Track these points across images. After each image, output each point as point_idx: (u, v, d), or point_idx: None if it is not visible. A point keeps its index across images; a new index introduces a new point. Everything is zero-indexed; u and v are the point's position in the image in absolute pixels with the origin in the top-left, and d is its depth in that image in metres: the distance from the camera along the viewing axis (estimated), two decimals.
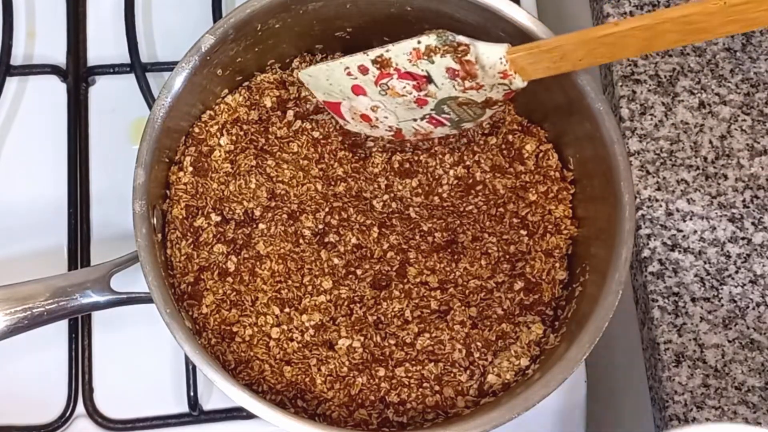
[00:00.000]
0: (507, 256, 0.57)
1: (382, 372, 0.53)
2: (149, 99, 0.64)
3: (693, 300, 0.59)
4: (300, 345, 0.54)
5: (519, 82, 0.50)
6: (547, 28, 0.54)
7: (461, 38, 0.50)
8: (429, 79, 0.52)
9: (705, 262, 0.59)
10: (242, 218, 0.56)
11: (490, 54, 0.49)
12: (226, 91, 0.58)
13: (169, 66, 0.66)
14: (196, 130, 0.57)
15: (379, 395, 0.53)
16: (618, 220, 0.52)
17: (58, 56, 0.67)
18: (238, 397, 0.48)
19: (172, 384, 0.61)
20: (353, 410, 0.53)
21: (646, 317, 0.59)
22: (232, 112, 0.58)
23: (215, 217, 0.56)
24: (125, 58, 0.66)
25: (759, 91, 0.63)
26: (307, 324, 0.54)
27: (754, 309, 0.59)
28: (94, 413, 0.60)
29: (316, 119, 0.58)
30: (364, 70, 0.53)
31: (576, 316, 0.53)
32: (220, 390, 0.48)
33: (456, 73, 0.51)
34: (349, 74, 0.54)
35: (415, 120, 0.55)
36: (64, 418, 0.59)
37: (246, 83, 0.59)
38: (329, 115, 0.58)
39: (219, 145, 0.57)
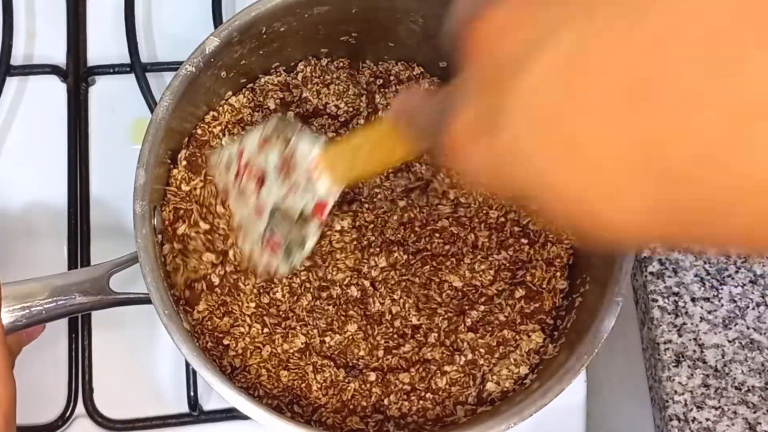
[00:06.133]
0: (507, 264, 0.56)
1: (372, 377, 0.53)
2: (149, 99, 0.64)
3: (693, 300, 0.59)
4: (296, 351, 0.53)
5: (321, 187, 0.44)
6: None
7: (294, 122, 0.47)
8: (263, 179, 0.48)
9: (705, 262, 0.59)
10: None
11: (307, 144, 0.45)
12: (230, 92, 0.58)
13: (169, 66, 0.66)
14: (199, 131, 0.57)
15: (371, 401, 0.53)
16: None
17: (58, 56, 0.67)
18: (235, 400, 0.47)
19: (172, 384, 0.61)
20: (346, 416, 0.52)
21: (646, 317, 0.59)
22: (236, 113, 0.58)
23: (204, 225, 0.55)
24: (125, 58, 0.65)
25: None
26: (295, 343, 0.53)
27: (754, 309, 0.58)
28: (94, 413, 0.60)
29: (315, 122, 0.58)
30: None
31: (575, 327, 0.53)
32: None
33: (282, 164, 0.47)
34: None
35: (258, 243, 0.51)
36: (64, 418, 0.59)
37: (250, 85, 0.59)
38: (327, 117, 0.58)
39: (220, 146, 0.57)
